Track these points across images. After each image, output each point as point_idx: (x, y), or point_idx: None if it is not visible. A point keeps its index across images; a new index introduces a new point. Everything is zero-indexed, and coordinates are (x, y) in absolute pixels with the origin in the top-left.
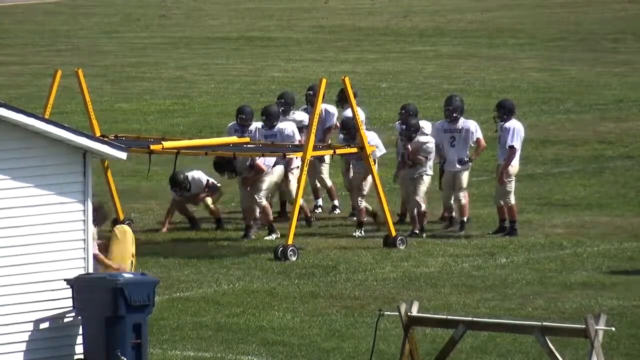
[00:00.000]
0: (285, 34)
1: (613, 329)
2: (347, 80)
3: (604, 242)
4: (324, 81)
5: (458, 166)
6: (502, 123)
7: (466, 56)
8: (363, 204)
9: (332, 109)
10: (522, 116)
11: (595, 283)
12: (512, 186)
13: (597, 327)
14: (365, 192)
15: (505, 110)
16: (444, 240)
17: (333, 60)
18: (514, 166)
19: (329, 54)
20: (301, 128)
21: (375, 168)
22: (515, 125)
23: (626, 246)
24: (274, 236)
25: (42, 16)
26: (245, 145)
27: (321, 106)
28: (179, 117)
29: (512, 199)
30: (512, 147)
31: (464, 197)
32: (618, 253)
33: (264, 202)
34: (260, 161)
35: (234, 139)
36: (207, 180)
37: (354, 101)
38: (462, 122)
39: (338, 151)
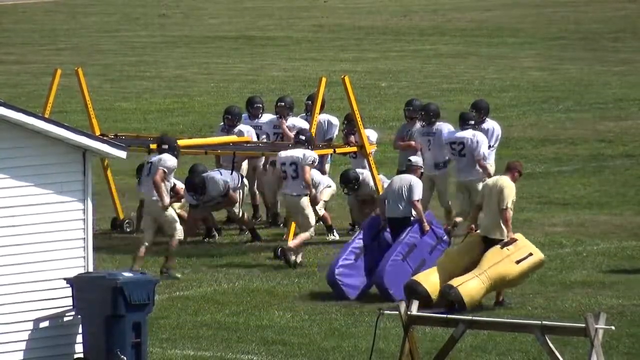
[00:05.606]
0: (285, 33)
1: (613, 327)
2: (347, 79)
3: (603, 241)
4: (323, 80)
5: (435, 170)
6: (480, 124)
7: (466, 55)
8: (322, 210)
9: (334, 120)
10: (522, 115)
11: (595, 282)
12: None
13: (597, 326)
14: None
15: (484, 112)
16: None
17: (333, 59)
18: (492, 165)
19: (328, 53)
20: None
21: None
22: (492, 126)
23: (626, 245)
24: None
25: (42, 15)
26: (245, 144)
27: (323, 116)
28: (178, 116)
29: None
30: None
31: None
32: (618, 252)
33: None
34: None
35: (234, 138)
36: (174, 184)
37: (354, 101)
38: (437, 125)
39: (338, 150)
